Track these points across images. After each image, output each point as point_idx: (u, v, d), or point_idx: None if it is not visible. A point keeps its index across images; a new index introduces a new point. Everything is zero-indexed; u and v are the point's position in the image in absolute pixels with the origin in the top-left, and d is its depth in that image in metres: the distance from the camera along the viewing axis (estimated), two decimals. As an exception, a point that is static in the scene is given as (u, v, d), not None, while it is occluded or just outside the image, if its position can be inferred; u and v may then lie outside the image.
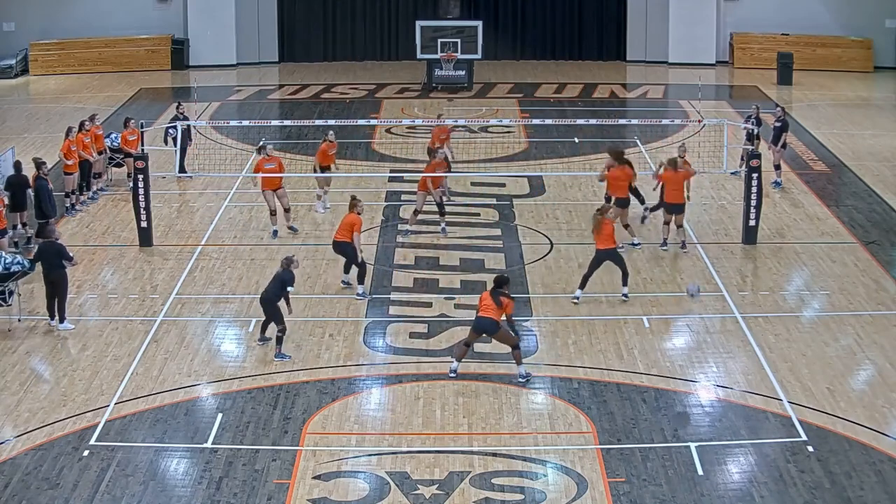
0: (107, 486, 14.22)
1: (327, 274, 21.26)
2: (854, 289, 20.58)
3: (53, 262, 18.65)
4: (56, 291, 18.77)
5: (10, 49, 40.05)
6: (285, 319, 17.79)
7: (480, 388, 16.81)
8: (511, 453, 15.00)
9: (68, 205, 24.73)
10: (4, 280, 18.65)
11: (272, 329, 17.95)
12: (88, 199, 25.28)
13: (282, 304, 17.90)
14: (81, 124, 25.19)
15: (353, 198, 20.29)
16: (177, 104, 28.25)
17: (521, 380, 16.86)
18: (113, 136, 26.99)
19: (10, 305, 18.89)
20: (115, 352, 18.08)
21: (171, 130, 26.68)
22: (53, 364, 17.69)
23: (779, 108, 27.04)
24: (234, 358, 18.00)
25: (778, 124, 26.22)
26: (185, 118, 27.49)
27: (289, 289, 17.83)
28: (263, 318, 18.14)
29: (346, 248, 20.05)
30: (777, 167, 26.33)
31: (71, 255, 19.03)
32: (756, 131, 24.53)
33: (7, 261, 18.88)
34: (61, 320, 18.77)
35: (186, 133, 26.82)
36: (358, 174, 26.65)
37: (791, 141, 30.80)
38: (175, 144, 26.42)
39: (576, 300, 19.71)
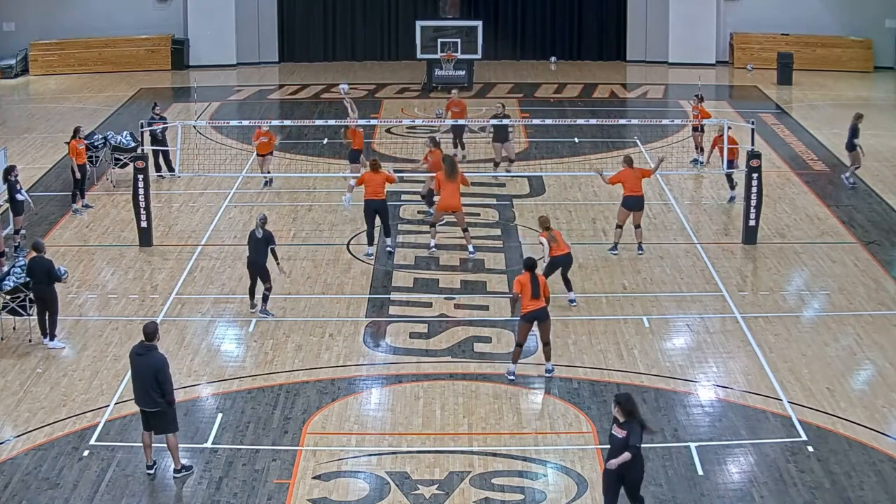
0: (107, 486, 14.22)
1: (327, 274, 21.28)
2: (854, 289, 20.58)
3: (41, 278, 18.03)
4: (45, 308, 18.16)
5: (10, 49, 40.05)
6: (272, 278, 19.26)
7: (480, 388, 16.81)
8: (511, 453, 15.01)
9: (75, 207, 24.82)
10: (20, 291, 18.38)
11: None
12: (82, 206, 25.04)
13: (270, 264, 19.20)
14: (76, 130, 25.03)
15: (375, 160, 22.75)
16: (153, 105, 28.36)
17: (510, 377, 17.02)
18: (110, 135, 27.14)
19: (30, 315, 18.46)
20: (115, 352, 18.08)
21: (157, 132, 26.78)
22: (53, 364, 17.69)
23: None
24: (234, 358, 18.01)
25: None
26: (163, 119, 27.58)
27: (272, 247, 19.15)
28: (250, 283, 19.32)
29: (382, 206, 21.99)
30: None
31: (62, 271, 18.37)
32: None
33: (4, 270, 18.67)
34: (51, 338, 18.20)
35: (163, 133, 27.06)
36: (357, 174, 26.58)
37: (791, 141, 30.88)
38: (164, 144, 26.78)
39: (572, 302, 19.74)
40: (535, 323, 16.87)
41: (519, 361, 17.56)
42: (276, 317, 19.18)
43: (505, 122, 26.29)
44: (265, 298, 19.30)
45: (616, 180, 22.01)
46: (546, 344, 17.10)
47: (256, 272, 19.25)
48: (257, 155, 26.43)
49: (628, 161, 22.07)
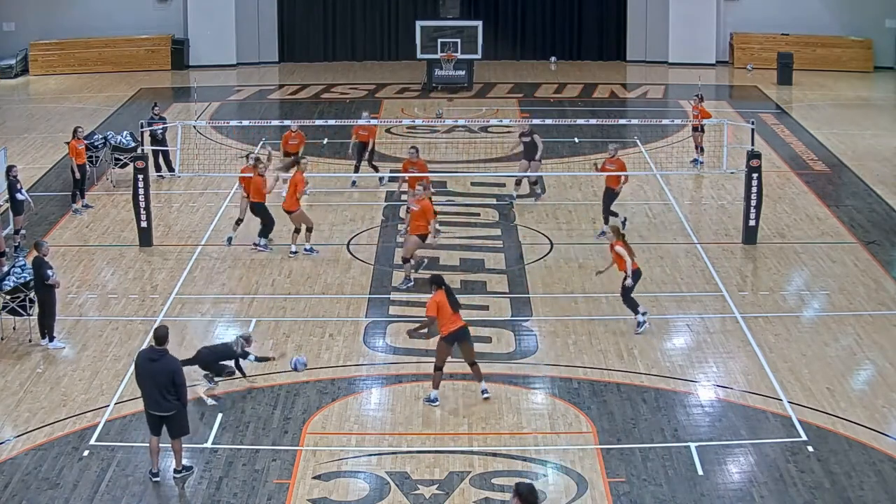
0: (107, 486, 14.22)
1: (327, 274, 21.27)
2: (854, 289, 20.58)
3: (37, 278, 18.02)
4: (41, 310, 18.12)
5: (10, 49, 40.05)
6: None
7: (481, 388, 16.78)
8: (511, 453, 15.01)
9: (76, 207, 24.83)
10: (20, 291, 18.34)
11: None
12: (82, 206, 25.06)
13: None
14: (75, 131, 25.06)
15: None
16: (153, 105, 28.30)
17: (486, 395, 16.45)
18: (111, 134, 27.17)
19: (30, 315, 18.44)
20: (115, 352, 18.08)
21: (158, 132, 26.77)
22: (53, 364, 17.69)
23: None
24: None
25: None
26: (163, 119, 27.53)
27: (244, 361, 16.92)
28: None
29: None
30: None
31: (50, 274, 17.92)
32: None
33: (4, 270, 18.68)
34: (50, 339, 18.16)
35: (163, 133, 27.03)
36: (358, 174, 26.62)
37: (791, 141, 30.88)
38: (164, 144, 26.79)
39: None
40: (456, 344, 16.14)
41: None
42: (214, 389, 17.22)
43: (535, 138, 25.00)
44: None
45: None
46: (473, 364, 16.25)
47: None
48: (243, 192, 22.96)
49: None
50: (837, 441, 15.25)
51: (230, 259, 22.03)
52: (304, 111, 34.59)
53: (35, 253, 18.28)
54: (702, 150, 27.80)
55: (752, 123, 24.09)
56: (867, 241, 22.96)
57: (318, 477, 14.46)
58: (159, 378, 13.90)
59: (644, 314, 18.62)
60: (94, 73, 40.22)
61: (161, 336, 14.14)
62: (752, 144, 23.29)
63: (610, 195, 22.97)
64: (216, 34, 40.74)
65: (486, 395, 16.38)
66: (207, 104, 34.90)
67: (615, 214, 23.12)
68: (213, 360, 16.72)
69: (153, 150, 26.59)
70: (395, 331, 18.88)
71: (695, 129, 28.10)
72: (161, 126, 26.95)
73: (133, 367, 14.80)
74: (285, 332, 18.76)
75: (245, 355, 16.79)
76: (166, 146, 27.20)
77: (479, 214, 24.71)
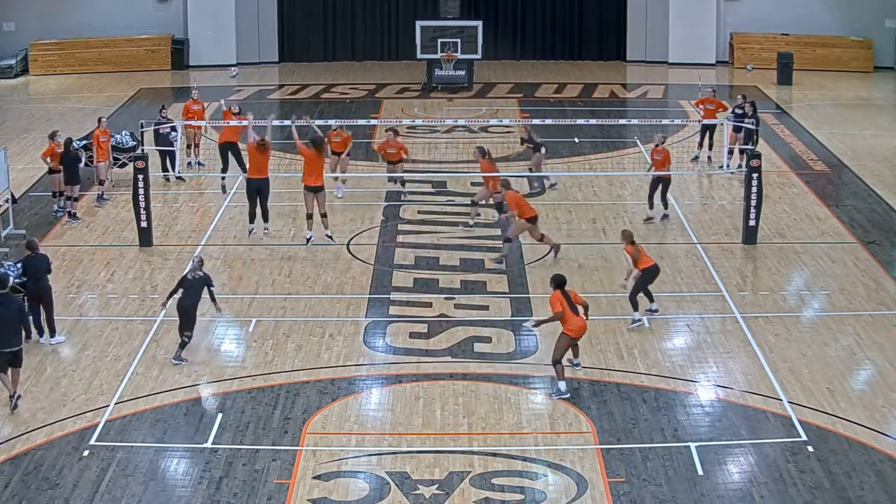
0: (107, 486, 14.23)
1: (327, 274, 21.28)
2: (854, 289, 20.58)
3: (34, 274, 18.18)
4: (42, 305, 18.29)
5: (10, 49, 40.04)
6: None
7: (480, 388, 16.81)
8: (511, 453, 15.01)
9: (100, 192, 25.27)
10: (16, 291, 18.30)
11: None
12: (94, 204, 25.19)
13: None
14: (99, 121, 25.49)
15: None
16: (160, 108, 28.15)
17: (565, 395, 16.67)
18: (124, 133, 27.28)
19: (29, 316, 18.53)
20: (115, 352, 18.08)
21: (172, 133, 26.72)
22: (53, 364, 17.69)
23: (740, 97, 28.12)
24: (234, 358, 18.01)
25: (739, 111, 27.03)
26: (169, 120, 27.46)
27: (210, 288, 17.92)
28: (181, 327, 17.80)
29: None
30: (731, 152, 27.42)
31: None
32: (756, 128, 24.54)
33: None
34: (52, 333, 18.32)
35: (167, 135, 26.96)
36: (358, 174, 26.64)
37: (791, 141, 30.88)
38: (174, 145, 26.70)
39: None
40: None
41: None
42: (186, 362, 17.74)
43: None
44: (182, 345, 17.73)
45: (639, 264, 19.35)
46: (575, 344, 17.12)
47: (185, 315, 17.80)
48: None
49: (628, 237, 19.36)
50: (837, 441, 15.25)
51: (230, 259, 22.03)
52: (304, 111, 34.51)
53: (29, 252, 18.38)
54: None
55: (753, 123, 24.09)
56: (867, 241, 22.96)
57: (318, 477, 14.46)
58: (9, 318, 15.95)
59: (639, 321, 18.80)
60: (94, 73, 40.19)
61: (3, 280, 16.17)
62: (754, 144, 23.29)
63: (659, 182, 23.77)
64: (216, 34, 40.72)
65: (578, 369, 17.12)
66: (207, 104, 34.67)
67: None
68: (193, 309, 17.76)
69: (160, 152, 26.58)
70: (395, 331, 18.88)
71: (704, 129, 27.71)
72: (169, 128, 26.77)
73: None
74: (285, 332, 18.77)
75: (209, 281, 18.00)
76: (174, 148, 27.01)
77: (479, 215, 24.68)
